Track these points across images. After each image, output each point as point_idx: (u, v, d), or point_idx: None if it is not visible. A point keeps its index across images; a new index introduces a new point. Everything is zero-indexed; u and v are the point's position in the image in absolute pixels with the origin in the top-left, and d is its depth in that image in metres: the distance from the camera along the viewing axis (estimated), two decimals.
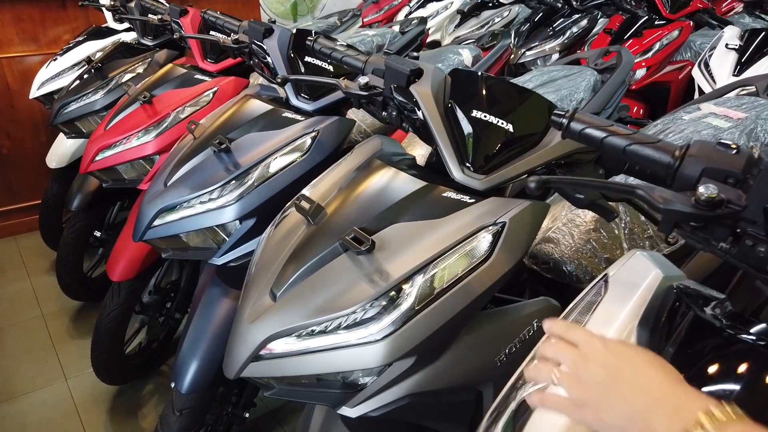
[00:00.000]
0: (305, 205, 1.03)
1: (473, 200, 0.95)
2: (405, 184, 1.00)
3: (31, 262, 2.95)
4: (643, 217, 1.33)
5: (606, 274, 0.77)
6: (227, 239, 1.35)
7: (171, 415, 1.36)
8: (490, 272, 0.88)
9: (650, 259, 0.75)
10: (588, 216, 1.34)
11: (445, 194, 0.97)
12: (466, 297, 0.87)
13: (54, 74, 2.66)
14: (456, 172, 0.96)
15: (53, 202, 2.76)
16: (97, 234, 2.54)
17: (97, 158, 1.81)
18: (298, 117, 1.39)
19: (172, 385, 1.47)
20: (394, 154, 1.14)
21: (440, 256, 0.89)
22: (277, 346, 0.92)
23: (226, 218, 1.29)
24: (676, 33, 3.04)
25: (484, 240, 0.89)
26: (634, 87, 2.88)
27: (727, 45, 2.65)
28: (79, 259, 2.38)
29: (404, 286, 0.88)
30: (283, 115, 1.41)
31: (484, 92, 0.98)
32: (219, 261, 1.34)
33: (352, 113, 1.55)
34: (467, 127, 0.96)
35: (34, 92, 2.71)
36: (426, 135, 1.03)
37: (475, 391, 0.98)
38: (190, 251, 1.40)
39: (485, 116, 0.96)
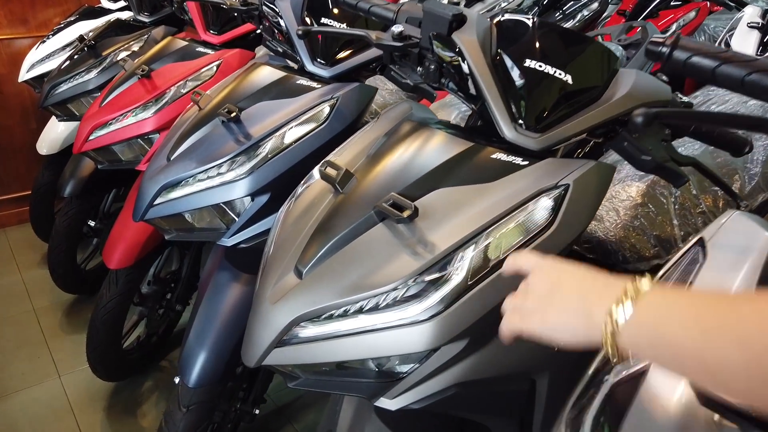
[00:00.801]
0: (332, 171, 0.91)
1: (527, 162, 0.83)
2: (447, 145, 0.88)
3: (21, 255, 2.81)
4: (694, 191, 1.22)
5: (701, 239, 0.66)
6: (237, 219, 1.23)
7: (176, 411, 1.23)
8: (552, 242, 0.76)
9: (754, 220, 0.64)
10: (633, 189, 1.22)
11: (494, 156, 0.85)
12: None
13: (44, 56, 2.52)
14: (507, 131, 0.84)
15: (44, 191, 2.62)
16: (91, 223, 2.41)
17: (92, 137, 1.68)
18: (314, 84, 1.27)
19: (176, 380, 1.35)
20: (426, 119, 1.02)
21: (494, 224, 0.77)
22: (305, 330, 0.80)
23: (237, 194, 1.17)
24: (692, 14, 2.94)
25: (544, 205, 0.78)
26: (652, 69, 2.77)
27: (748, 24, 2.55)
28: (72, 249, 2.25)
29: (453, 259, 0.76)
30: (298, 82, 1.28)
31: (536, 40, 0.87)
32: (228, 242, 1.22)
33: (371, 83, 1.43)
34: (519, 79, 0.85)
35: (23, 75, 2.57)
36: (469, 93, 0.91)
37: (529, 380, 0.86)
38: (195, 232, 1.28)
39: (540, 66, 0.84)
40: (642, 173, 1.24)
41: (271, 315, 0.81)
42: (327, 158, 0.96)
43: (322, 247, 0.84)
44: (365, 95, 1.24)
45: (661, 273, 0.66)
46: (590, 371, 0.62)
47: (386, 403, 0.80)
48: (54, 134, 2.54)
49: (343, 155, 0.99)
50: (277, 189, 1.18)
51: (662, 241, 1.18)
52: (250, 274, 1.29)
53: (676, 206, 1.20)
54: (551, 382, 0.87)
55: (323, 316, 0.79)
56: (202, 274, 1.36)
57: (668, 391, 0.53)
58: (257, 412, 1.52)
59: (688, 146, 1.32)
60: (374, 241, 0.80)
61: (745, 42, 2.52)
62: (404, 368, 0.80)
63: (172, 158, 1.25)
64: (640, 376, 0.56)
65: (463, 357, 0.78)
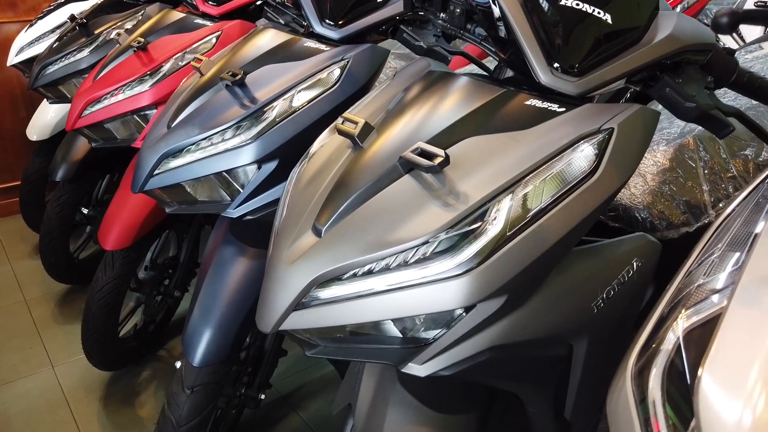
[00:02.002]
0: (349, 125, 0.85)
1: (563, 109, 0.77)
2: (476, 92, 0.81)
3: (11, 246, 2.72)
4: (724, 155, 1.16)
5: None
6: (241, 191, 1.16)
7: (180, 393, 1.16)
8: (596, 190, 0.70)
9: None
10: (660, 154, 1.17)
11: (528, 102, 0.79)
12: (567, 221, 0.69)
13: (34, 38, 2.44)
14: (543, 75, 0.78)
15: (35, 179, 2.54)
16: (84, 211, 2.33)
17: (85, 113, 1.60)
18: (323, 47, 1.20)
19: (177, 364, 1.28)
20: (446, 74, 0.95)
21: (532, 172, 0.71)
22: (326, 290, 0.73)
23: (243, 160, 1.10)
24: None
25: (586, 151, 0.71)
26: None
27: (756, 3, 2.52)
28: (64, 236, 2.17)
29: (489, 210, 0.69)
30: (306, 44, 1.22)
31: None
32: (234, 213, 1.15)
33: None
34: (555, 18, 0.78)
35: (12, 59, 2.49)
36: (499, 38, 0.85)
37: (567, 345, 0.80)
38: (198, 205, 1.20)
39: (577, 4, 0.78)
40: (669, 138, 1.19)
41: (289, 276, 0.74)
42: (343, 114, 0.90)
43: (341, 204, 0.77)
44: (377, 57, 1.18)
45: (728, 211, 0.60)
46: (653, 319, 0.55)
47: (415, 369, 0.73)
48: (44, 119, 2.46)
49: (360, 112, 0.92)
50: (286, 155, 1.11)
51: (692, 207, 1.12)
52: (257, 249, 1.22)
53: (706, 171, 1.14)
54: (589, 348, 0.80)
55: (346, 276, 0.72)
56: (206, 250, 1.29)
57: (753, 332, 0.47)
58: (263, 397, 1.45)
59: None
60: (400, 194, 0.74)
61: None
62: (432, 334, 0.74)
63: (172, 126, 1.18)
64: (715, 319, 0.50)
65: (498, 318, 0.71)
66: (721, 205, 1.14)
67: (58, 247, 2.16)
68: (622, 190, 1.16)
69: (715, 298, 0.51)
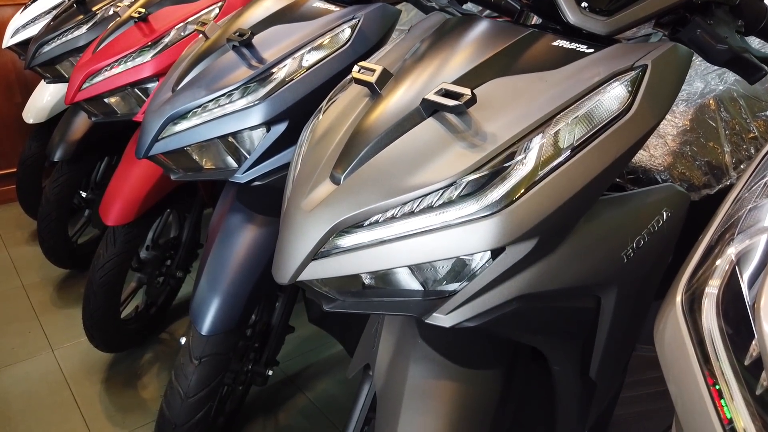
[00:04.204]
0: (366, 74, 0.81)
1: (592, 50, 0.74)
2: (501, 33, 0.78)
3: (8, 233, 2.68)
4: (745, 115, 1.13)
5: None
6: (248, 156, 1.12)
7: (188, 364, 1.13)
8: (630, 128, 0.67)
9: None
10: (679, 115, 1.14)
11: (555, 43, 0.76)
12: (601, 160, 0.66)
13: (30, 19, 2.38)
14: (571, 14, 0.74)
15: (32, 163, 2.49)
16: (83, 194, 2.29)
17: (85, 86, 1.56)
18: (332, 7, 1.17)
19: (182, 340, 1.24)
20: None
21: (562, 111, 0.68)
22: (346, 238, 0.70)
23: (252, 121, 1.06)
24: None
25: (619, 89, 0.68)
26: None
27: None
28: (62, 218, 2.13)
29: (519, 149, 0.66)
30: (314, 5, 1.18)
31: None
32: (243, 178, 1.11)
33: None
34: None
35: (8, 41, 2.43)
36: None
37: (595, 298, 0.77)
38: (204, 171, 1.17)
39: None
40: (689, 98, 1.16)
41: (307, 224, 0.71)
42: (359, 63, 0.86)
43: (360, 150, 0.73)
44: (389, 16, 1.14)
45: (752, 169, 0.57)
46: (701, 248, 0.52)
47: (439, 319, 0.70)
48: (41, 102, 2.41)
49: (377, 63, 0.88)
50: (296, 117, 1.08)
51: (713, 168, 1.09)
52: (266, 216, 1.19)
53: (727, 132, 1.12)
54: (617, 301, 0.77)
55: (367, 222, 0.69)
56: (213, 217, 1.25)
57: None
58: (270, 373, 1.42)
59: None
60: (423, 137, 0.71)
61: None
62: (454, 286, 0.71)
63: (177, 89, 1.14)
64: None
65: (526, 265, 0.68)
66: (742, 166, 1.11)
67: (56, 229, 2.11)
68: (641, 152, 1.13)
69: None
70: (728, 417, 0.41)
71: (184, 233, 1.86)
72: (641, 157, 1.11)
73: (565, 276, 0.71)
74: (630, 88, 0.68)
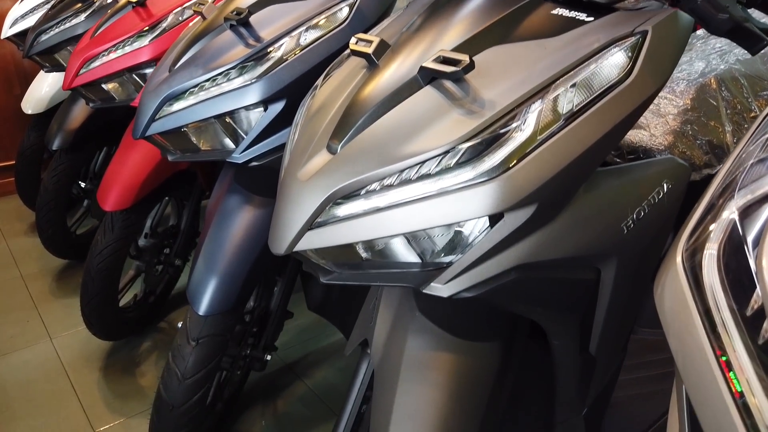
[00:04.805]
0: (363, 45, 0.80)
1: (592, 18, 0.73)
2: (498, 3, 0.77)
3: (7, 225, 2.67)
4: (746, 94, 1.12)
5: None
6: (245, 136, 1.12)
7: (185, 345, 1.12)
8: (630, 94, 0.66)
9: None
10: (679, 94, 1.13)
11: (554, 12, 0.75)
12: (601, 125, 0.66)
13: (28, 10, 2.38)
14: None
15: (30, 154, 2.49)
16: (82, 184, 2.28)
17: (83, 71, 1.55)
18: None
19: (179, 324, 1.24)
20: None
21: (562, 77, 0.67)
22: (342, 207, 0.69)
23: (249, 99, 1.06)
24: None
25: (619, 55, 0.68)
26: None
27: None
28: (61, 207, 2.12)
29: (518, 114, 0.65)
30: None
31: None
32: (240, 158, 1.10)
33: None
34: None
35: (6, 31, 2.43)
36: None
37: (595, 269, 0.76)
38: (201, 152, 1.16)
39: None
40: (690, 78, 1.15)
41: (303, 193, 0.70)
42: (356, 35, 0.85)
43: (357, 120, 0.73)
44: None
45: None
46: (702, 205, 0.52)
47: (437, 289, 0.69)
48: (40, 92, 2.41)
49: (375, 34, 0.88)
50: (294, 95, 1.07)
51: (714, 147, 1.08)
52: (263, 197, 1.18)
53: (728, 111, 1.11)
54: (617, 274, 0.77)
55: (363, 191, 0.68)
56: (210, 199, 1.24)
57: None
58: (268, 358, 1.41)
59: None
60: (420, 105, 0.70)
61: None
62: (451, 258, 0.70)
63: (174, 69, 1.14)
64: None
65: (525, 234, 0.67)
66: None
67: (55, 218, 2.11)
68: (642, 132, 1.12)
69: None
70: (729, 365, 0.40)
71: (183, 221, 1.85)
72: (642, 136, 1.10)
73: (564, 246, 0.71)
74: (630, 54, 0.67)
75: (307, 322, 1.93)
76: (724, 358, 0.41)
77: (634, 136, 1.11)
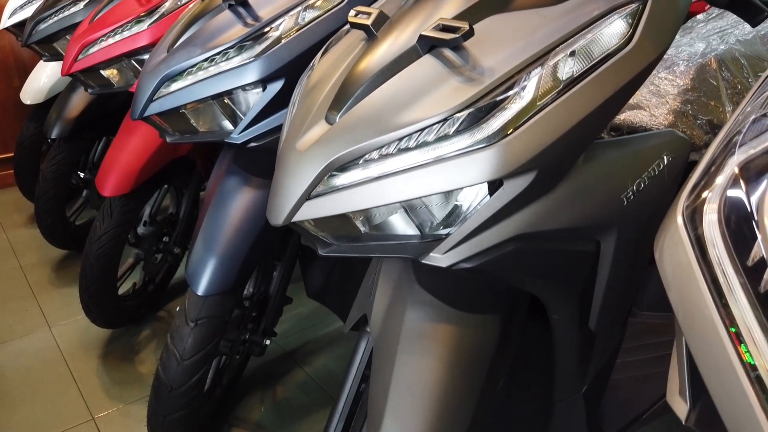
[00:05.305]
0: (362, 17, 0.80)
1: None
2: None
3: (6, 217, 2.67)
4: (746, 74, 1.12)
5: None
6: (244, 117, 1.11)
7: (184, 326, 1.12)
8: (630, 60, 0.66)
9: None
10: (680, 74, 1.12)
11: None
12: (601, 91, 0.65)
13: (26, 0, 2.38)
14: None
15: (29, 145, 2.48)
16: (81, 174, 2.28)
17: (81, 56, 1.55)
18: None
19: (178, 308, 1.23)
20: None
21: (562, 43, 0.66)
22: (340, 176, 0.69)
23: (248, 78, 1.05)
24: None
25: (619, 22, 0.67)
26: None
27: None
28: (60, 197, 2.11)
29: (518, 81, 0.65)
30: None
31: None
32: (239, 139, 1.10)
33: None
34: None
35: (5, 22, 2.42)
36: None
37: (594, 242, 0.76)
38: (200, 134, 1.16)
39: None
40: (690, 58, 1.15)
41: (301, 163, 0.70)
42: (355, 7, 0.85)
43: (356, 90, 0.72)
44: None
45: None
46: (703, 163, 0.51)
47: (436, 259, 0.68)
48: (39, 82, 2.41)
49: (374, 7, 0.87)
50: (292, 75, 1.06)
51: (714, 127, 1.08)
52: (262, 178, 1.18)
53: (729, 91, 1.10)
54: (618, 246, 0.76)
55: (362, 160, 0.68)
56: (209, 182, 1.24)
57: None
58: (267, 343, 1.40)
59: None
60: (420, 74, 0.69)
61: None
62: (449, 230, 0.69)
63: (172, 49, 1.13)
64: None
65: (525, 203, 0.67)
66: None
67: (54, 207, 2.10)
68: (642, 112, 1.12)
69: None
70: (730, 315, 0.40)
71: (182, 210, 1.85)
72: (642, 116, 1.10)
73: (563, 216, 0.70)
74: (630, 21, 0.67)
75: (307, 311, 1.93)
76: (724, 308, 0.41)
77: (634, 116, 1.10)
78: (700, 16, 1.38)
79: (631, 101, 1.12)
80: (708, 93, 1.09)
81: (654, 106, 1.10)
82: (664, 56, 1.18)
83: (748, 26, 1.18)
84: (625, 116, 1.11)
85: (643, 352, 1.21)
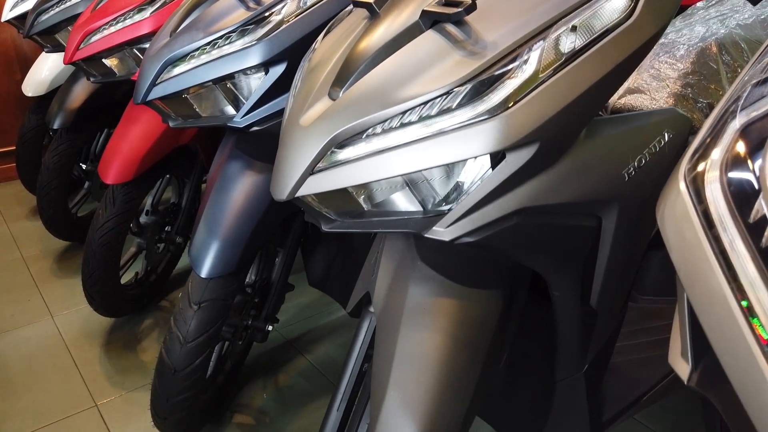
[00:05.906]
0: None
1: None
2: None
3: (8, 209, 2.68)
4: (746, 57, 1.12)
5: None
6: (246, 101, 1.12)
7: (187, 308, 1.12)
8: (632, 34, 0.66)
9: None
10: (680, 58, 1.13)
11: None
12: (603, 64, 0.66)
13: None
14: None
15: (31, 137, 2.49)
16: (83, 166, 2.29)
17: (83, 45, 1.55)
18: None
19: (181, 294, 1.24)
20: None
21: (564, 17, 0.67)
22: (344, 151, 0.69)
23: (251, 61, 1.06)
24: None
25: None
26: None
27: None
28: (62, 188, 2.12)
29: (520, 54, 0.65)
30: None
31: None
32: (241, 123, 1.11)
33: None
34: None
35: (6, 14, 2.43)
36: None
37: (596, 217, 0.76)
38: (202, 118, 1.16)
39: None
40: (690, 42, 1.15)
41: (305, 138, 0.70)
42: None
43: (359, 66, 0.73)
44: None
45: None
46: (704, 129, 0.52)
47: (439, 233, 0.69)
48: (41, 74, 2.41)
49: None
50: (295, 58, 1.07)
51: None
52: (264, 162, 1.18)
53: (729, 74, 1.11)
54: (619, 222, 0.77)
55: (365, 135, 0.69)
56: (212, 166, 1.25)
57: None
58: (270, 329, 1.41)
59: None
60: (422, 49, 0.70)
61: None
62: (451, 206, 0.70)
63: (175, 33, 1.14)
64: None
65: (527, 177, 0.68)
66: None
67: (56, 199, 2.11)
68: (643, 97, 1.12)
69: None
70: (733, 272, 0.40)
71: (184, 199, 1.85)
72: (643, 100, 1.10)
73: (565, 190, 0.71)
74: None
75: (308, 300, 1.94)
76: (726, 264, 0.41)
77: (634, 99, 1.11)
78: (699, 3, 1.38)
79: (631, 85, 1.13)
80: (708, 76, 1.10)
81: (654, 89, 1.10)
82: (665, 41, 1.19)
83: (748, 11, 1.18)
84: (625, 100, 1.11)
85: (642, 336, 1.21)
